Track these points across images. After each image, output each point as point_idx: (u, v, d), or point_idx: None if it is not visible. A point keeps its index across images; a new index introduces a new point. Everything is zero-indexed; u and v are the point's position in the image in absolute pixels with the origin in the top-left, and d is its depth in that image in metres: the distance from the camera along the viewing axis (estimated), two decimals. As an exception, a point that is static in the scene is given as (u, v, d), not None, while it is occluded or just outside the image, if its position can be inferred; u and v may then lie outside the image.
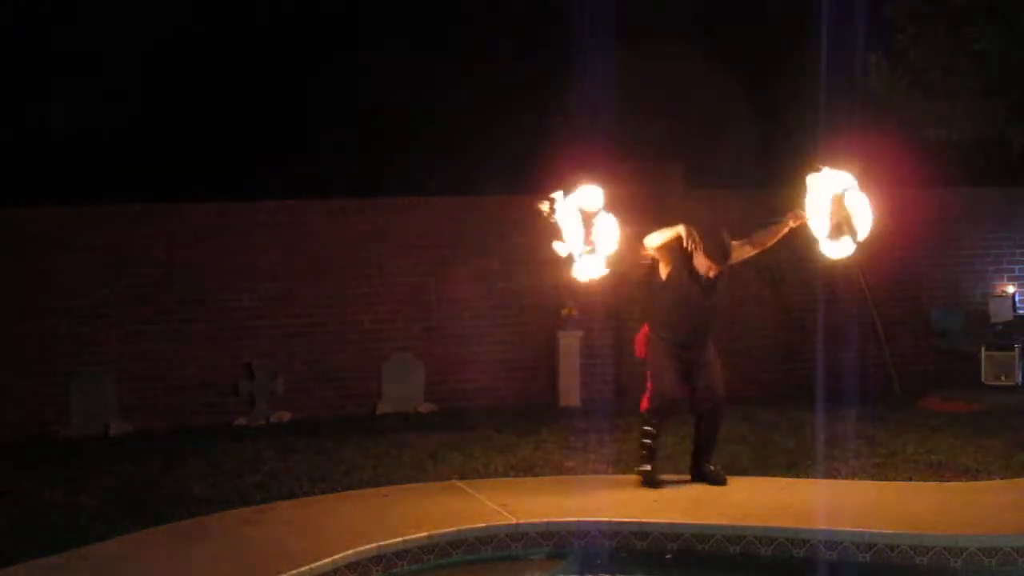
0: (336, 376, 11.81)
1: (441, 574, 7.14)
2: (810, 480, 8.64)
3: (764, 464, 9.09)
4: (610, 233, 8.24)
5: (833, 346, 12.91)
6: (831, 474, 8.79)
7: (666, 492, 8.22)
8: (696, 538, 7.32)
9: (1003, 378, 12.26)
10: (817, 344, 12.77)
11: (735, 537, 7.24)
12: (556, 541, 7.44)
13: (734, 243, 8.46)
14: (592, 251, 8.27)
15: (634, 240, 8.50)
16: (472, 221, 12.07)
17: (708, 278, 8.34)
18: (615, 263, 8.42)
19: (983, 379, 12.48)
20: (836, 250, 8.38)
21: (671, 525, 7.43)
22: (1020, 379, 12.38)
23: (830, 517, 7.43)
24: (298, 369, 11.74)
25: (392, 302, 11.95)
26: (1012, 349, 12.43)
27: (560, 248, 8.34)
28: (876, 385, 12.59)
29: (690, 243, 8.21)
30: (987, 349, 12.53)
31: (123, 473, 9.28)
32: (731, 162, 13.30)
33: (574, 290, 12.25)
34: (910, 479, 8.60)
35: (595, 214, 8.29)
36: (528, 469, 9.09)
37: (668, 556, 7.31)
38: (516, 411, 11.49)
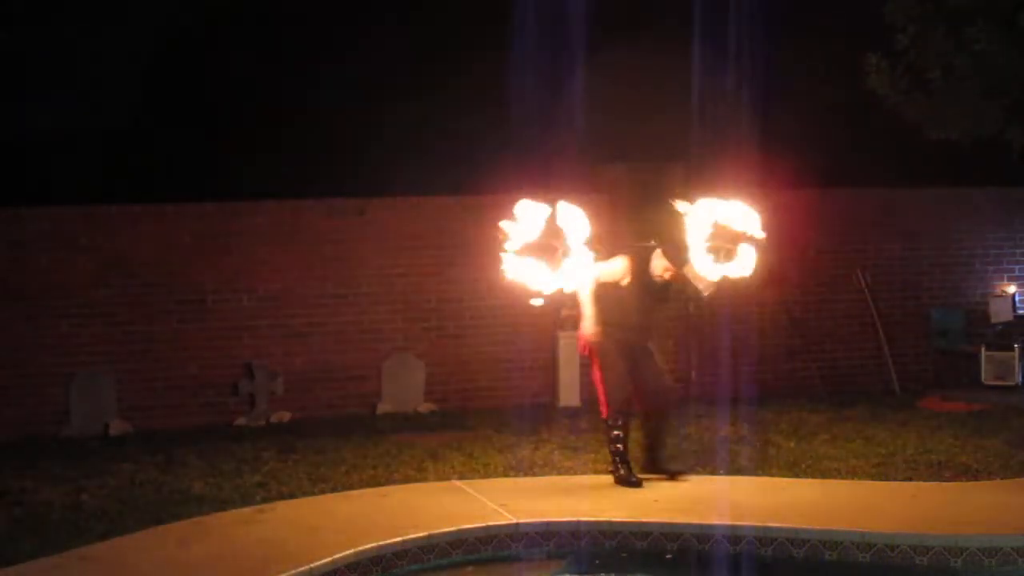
0: (336, 376, 11.81)
1: (441, 574, 7.14)
2: (810, 480, 8.64)
3: (764, 464, 9.09)
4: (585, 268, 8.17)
5: (833, 346, 12.93)
6: (831, 474, 8.79)
7: (666, 492, 8.22)
8: (696, 538, 7.32)
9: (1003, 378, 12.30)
10: (817, 344, 12.79)
11: (735, 537, 7.24)
12: (556, 541, 7.43)
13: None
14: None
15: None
16: (472, 221, 12.06)
17: (662, 279, 8.38)
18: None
19: (983, 379, 12.48)
20: (734, 269, 8.27)
21: (671, 525, 7.42)
22: (1020, 379, 12.38)
23: (830, 517, 7.43)
24: (298, 369, 11.75)
25: (392, 302, 11.95)
26: (1012, 349, 12.43)
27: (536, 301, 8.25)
28: (876, 385, 12.61)
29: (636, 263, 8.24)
30: (987, 349, 12.53)
31: (123, 473, 9.28)
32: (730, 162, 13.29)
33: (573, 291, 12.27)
34: (910, 479, 8.60)
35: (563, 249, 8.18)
36: (528, 469, 9.09)
37: (668, 556, 7.30)
38: (516, 411, 11.48)
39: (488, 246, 12.36)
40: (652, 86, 13.76)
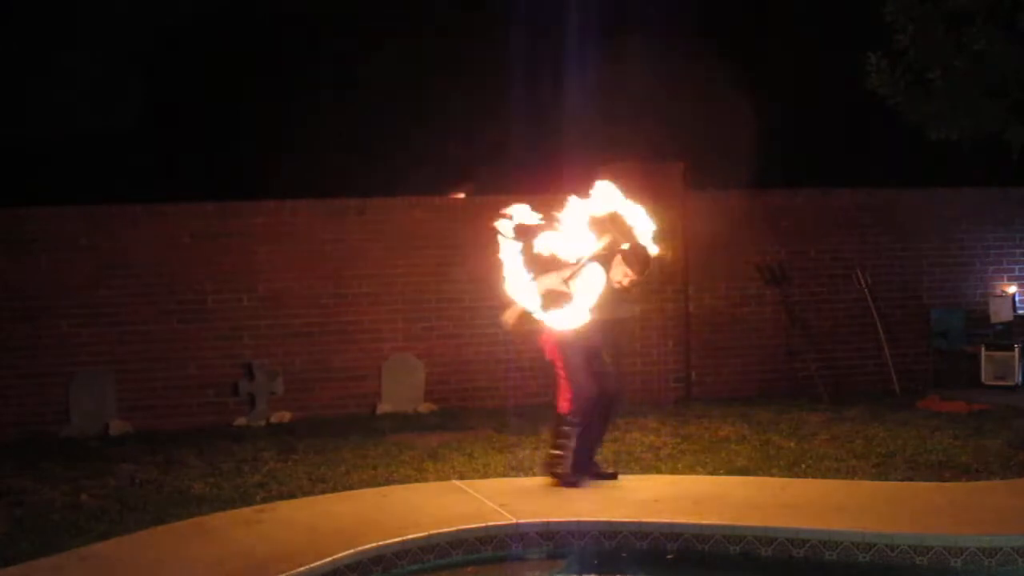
0: (336, 376, 11.82)
1: (441, 574, 7.13)
2: (810, 480, 8.63)
3: (764, 464, 9.09)
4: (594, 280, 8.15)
5: (833, 346, 12.93)
6: (831, 474, 8.79)
7: (666, 492, 8.21)
8: (696, 538, 7.31)
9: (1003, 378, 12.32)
10: (817, 344, 12.79)
11: (735, 537, 7.24)
12: (556, 541, 7.42)
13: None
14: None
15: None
16: (471, 221, 12.06)
17: (620, 285, 8.37)
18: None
19: (983, 379, 12.49)
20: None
21: (671, 525, 7.42)
22: (1020, 379, 12.39)
23: (830, 517, 7.43)
24: (298, 369, 11.75)
25: (392, 302, 11.95)
26: (1012, 349, 12.44)
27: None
28: (876, 385, 12.61)
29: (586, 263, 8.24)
30: (987, 349, 12.54)
31: (123, 473, 9.29)
32: (731, 162, 13.32)
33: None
34: (910, 479, 8.60)
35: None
36: (528, 469, 9.08)
37: (669, 556, 7.30)
38: (516, 411, 11.48)
39: (488, 246, 12.40)
40: (653, 86, 13.79)
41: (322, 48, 13.99)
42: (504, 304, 8.39)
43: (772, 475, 8.76)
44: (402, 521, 7.45)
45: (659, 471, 8.95)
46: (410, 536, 7.15)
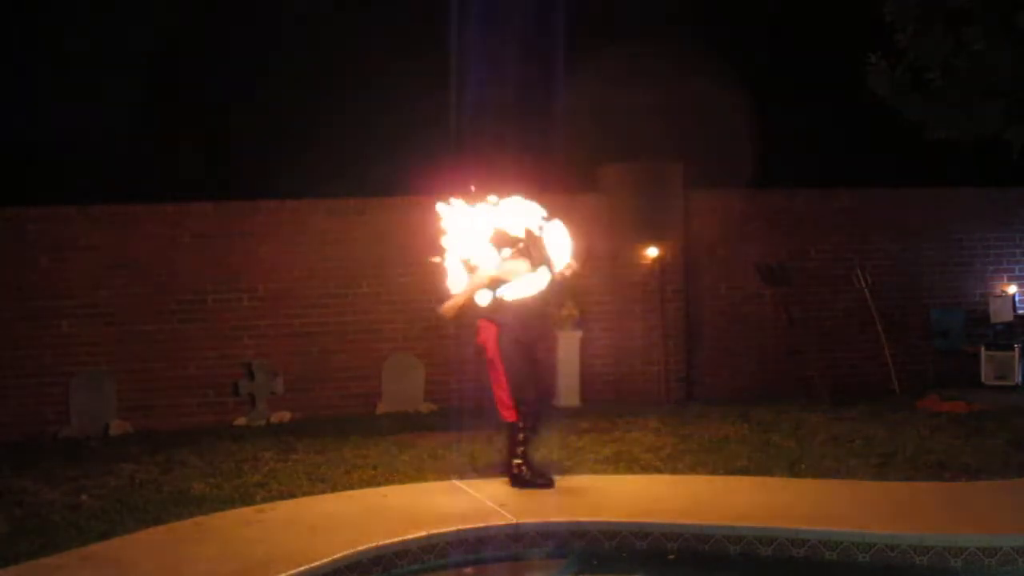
0: (336, 376, 11.82)
1: (441, 574, 7.14)
2: (810, 480, 8.63)
3: (764, 464, 9.09)
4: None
5: (833, 346, 12.93)
6: (831, 474, 8.78)
7: (666, 492, 8.22)
8: (696, 538, 7.31)
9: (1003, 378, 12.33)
10: (817, 344, 12.79)
11: (735, 537, 7.24)
12: (556, 541, 7.43)
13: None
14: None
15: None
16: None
17: (563, 277, 8.39)
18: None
19: (983, 379, 12.49)
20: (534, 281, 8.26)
21: (671, 525, 7.42)
22: (1020, 379, 12.39)
23: (830, 517, 7.43)
24: (298, 369, 11.75)
25: (392, 302, 11.95)
26: (1012, 349, 12.44)
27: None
28: (876, 385, 12.61)
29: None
30: (987, 349, 12.54)
31: (123, 473, 9.29)
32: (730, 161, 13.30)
33: (574, 291, 12.29)
34: (910, 479, 8.59)
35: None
36: (528, 469, 9.07)
37: (671, 556, 7.30)
38: (516, 411, 11.47)
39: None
40: (653, 85, 13.77)
41: (323, 48, 13.97)
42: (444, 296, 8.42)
43: (772, 475, 8.76)
44: (402, 521, 7.45)
45: (659, 471, 8.95)
46: (410, 536, 7.16)
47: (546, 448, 9.83)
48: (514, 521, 7.47)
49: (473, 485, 8.45)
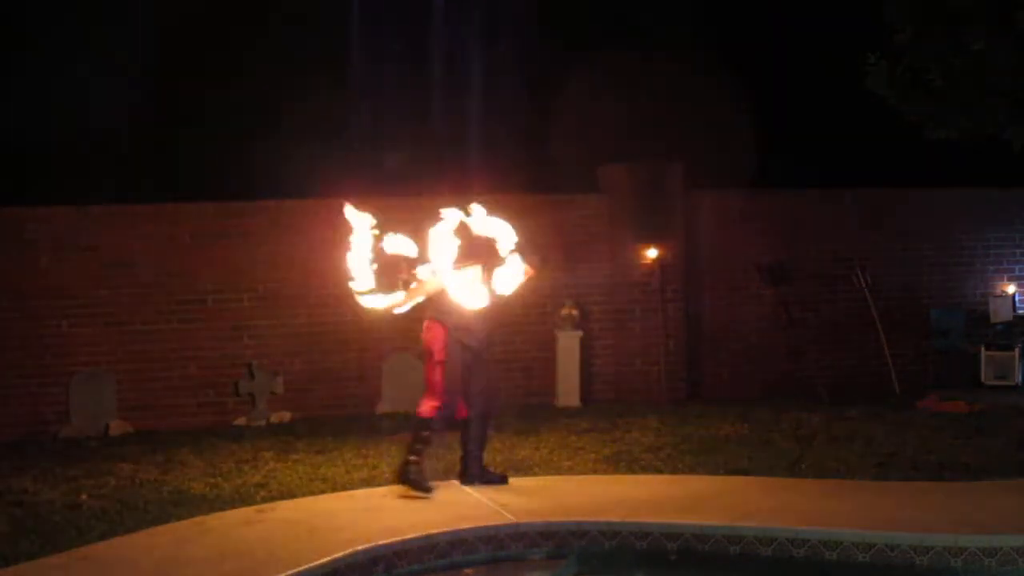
0: (336, 376, 11.82)
1: (441, 574, 7.14)
2: (810, 480, 8.63)
3: (764, 464, 9.09)
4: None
5: (833, 346, 12.94)
6: (831, 474, 8.78)
7: (666, 492, 8.22)
8: (696, 538, 7.31)
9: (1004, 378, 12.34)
10: (817, 344, 12.80)
11: (735, 537, 7.24)
12: (556, 541, 7.43)
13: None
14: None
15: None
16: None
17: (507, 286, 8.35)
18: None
19: (983, 379, 12.50)
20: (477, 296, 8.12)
21: (671, 525, 7.41)
22: (1020, 379, 12.39)
23: (830, 517, 7.43)
24: (298, 369, 11.75)
25: (392, 302, 11.93)
26: (1012, 349, 12.44)
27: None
28: (876, 385, 12.61)
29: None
30: (987, 349, 12.55)
31: (123, 473, 9.29)
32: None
33: (574, 291, 12.30)
34: (910, 479, 8.59)
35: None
36: (528, 469, 9.08)
37: (672, 557, 7.29)
38: (516, 411, 11.48)
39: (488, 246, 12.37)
40: (653, 85, 13.77)
41: (323, 48, 13.97)
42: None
43: (772, 475, 8.76)
44: (401, 521, 7.45)
45: (659, 471, 8.95)
46: (410, 536, 7.15)
47: (546, 448, 9.85)
48: (514, 521, 7.47)
49: (473, 485, 8.44)
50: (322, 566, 6.66)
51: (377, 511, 7.81)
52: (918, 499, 7.97)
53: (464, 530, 7.33)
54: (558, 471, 9.07)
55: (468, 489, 8.31)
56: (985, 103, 11.01)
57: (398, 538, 7.11)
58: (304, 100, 13.78)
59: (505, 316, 11.89)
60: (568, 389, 12.11)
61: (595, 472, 9.01)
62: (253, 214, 11.77)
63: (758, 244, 12.81)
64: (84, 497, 8.52)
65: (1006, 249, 13.42)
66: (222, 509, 7.99)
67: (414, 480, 8.14)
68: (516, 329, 12.11)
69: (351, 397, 11.81)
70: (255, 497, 8.36)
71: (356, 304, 8.32)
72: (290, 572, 6.51)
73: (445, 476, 8.85)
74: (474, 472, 8.44)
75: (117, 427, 11.15)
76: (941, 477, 8.64)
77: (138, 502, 8.29)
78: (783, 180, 13.35)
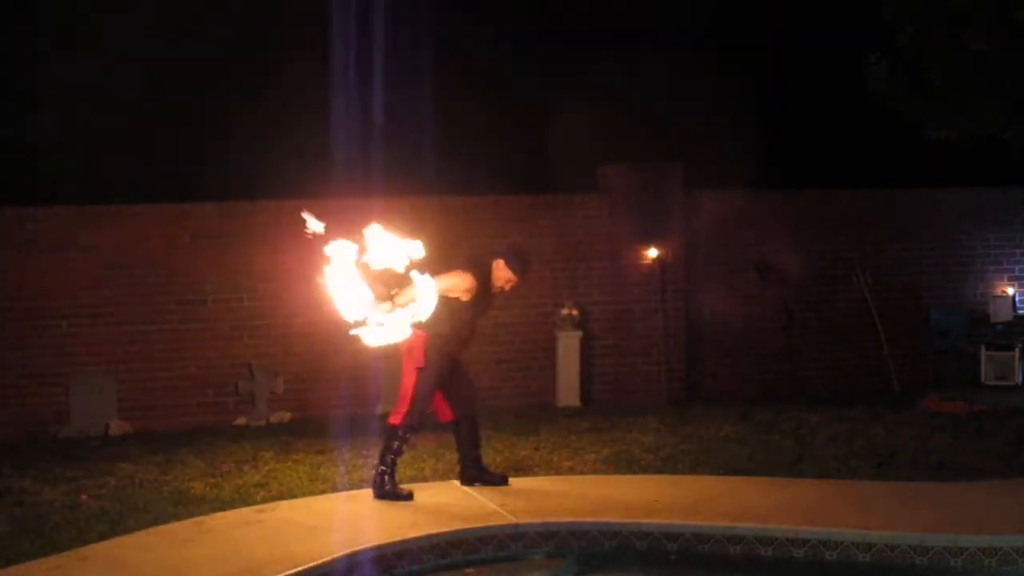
0: (336, 376, 11.80)
1: (441, 574, 7.14)
2: (810, 480, 8.63)
3: (764, 464, 9.09)
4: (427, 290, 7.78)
5: (833, 346, 12.94)
6: (831, 474, 8.79)
7: (666, 492, 8.21)
8: (696, 538, 7.31)
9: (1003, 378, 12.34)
10: (817, 344, 12.80)
11: (735, 537, 7.24)
12: (556, 541, 7.43)
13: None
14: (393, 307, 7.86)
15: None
16: (471, 220, 12.07)
17: (501, 291, 8.32)
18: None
19: (983, 379, 12.49)
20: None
21: (671, 525, 7.42)
22: (1020, 379, 12.39)
23: (830, 517, 7.43)
24: (298, 369, 11.75)
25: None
26: (1012, 349, 12.44)
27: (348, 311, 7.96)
28: (876, 385, 12.62)
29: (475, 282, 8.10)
30: (987, 349, 12.54)
31: (123, 473, 9.29)
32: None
33: (574, 291, 12.30)
34: (910, 479, 8.59)
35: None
36: (528, 469, 9.09)
37: (672, 557, 7.29)
38: (516, 411, 11.49)
39: (487, 245, 12.40)
40: (653, 85, 13.77)
41: (322, 47, 13.95)
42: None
43: (772, 475, 8.76)
44: (402, 521, 7.46)
45: (659, 471, 8.95)
46: (410, 536, 7.16)
47: (546, 448, 9.85)
48: (514, 521, 7.47)
49: (473, 485, 8.44)
50: (322, 566, 6.66)
51: (377, 511, 7.81)
52: (918, 499, 7.97)
53: (464, 530, 7.34)
54: (558, 471, 9.07)
55: (468, 489, 8.31)
56: (985, 103, 11.01)
57: (398, 538, 7.12)
58: (304, 100, 13.79)
59: (505, 316, 12.02)
60: (568, 389, 12.11)
61: (595, 472, 9.01)
62: (253, 214, 11.77)
63: (758, 244, 12.81)
64: (84, 497, 8.52)
65: (1006, 249, 13.41)
66: (222, 509, 7.99)
67: (388, 492, 8.05)
68: (516, 329, 12.13)
69: (351, 397, 11.80)
70: (255, 497, 8.36)
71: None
72: (290, 572, 6.51)
73: (445, 476, 8.86)
74: (474, 472, 8.44)
75: (117, 427, 11.15)
76: (941, 477, 8.63)
77: (138, 502, 8.29)
78: (783, 180, 13.35)
